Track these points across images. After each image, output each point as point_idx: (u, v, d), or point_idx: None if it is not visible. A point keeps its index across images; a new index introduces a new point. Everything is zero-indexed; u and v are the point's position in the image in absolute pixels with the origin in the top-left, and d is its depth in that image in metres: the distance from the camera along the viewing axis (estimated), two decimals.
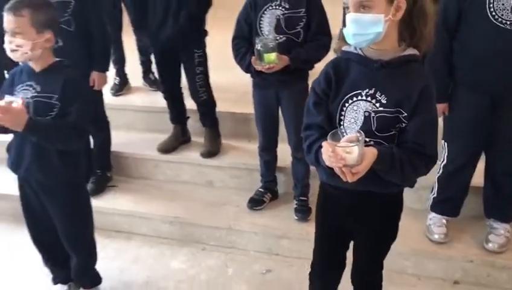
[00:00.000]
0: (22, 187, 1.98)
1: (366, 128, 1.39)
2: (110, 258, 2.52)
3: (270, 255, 2.52)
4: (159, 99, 3.34)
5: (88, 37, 2.54)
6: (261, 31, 2.25)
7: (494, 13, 1.94)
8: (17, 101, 1.68)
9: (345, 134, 1.39)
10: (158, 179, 3.00)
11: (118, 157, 3.01)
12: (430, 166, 1.43)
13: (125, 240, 2.70)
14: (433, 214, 2.37)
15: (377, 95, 1.40)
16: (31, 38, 1.74)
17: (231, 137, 3.04)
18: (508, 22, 1.93)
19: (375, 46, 1.39)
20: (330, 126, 1.44)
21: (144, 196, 2.85)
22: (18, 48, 1.74)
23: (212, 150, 2.93)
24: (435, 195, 2.36)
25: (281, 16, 2.22)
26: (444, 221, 2.34)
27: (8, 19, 1.75)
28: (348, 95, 1.42)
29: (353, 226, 1.60)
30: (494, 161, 2.23)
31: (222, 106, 3.02)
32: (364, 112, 1.40)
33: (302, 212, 2.52)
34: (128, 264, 2.51)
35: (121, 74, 3.55)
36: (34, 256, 2.23)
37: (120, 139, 3.04)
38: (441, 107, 2.10)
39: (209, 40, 2.84)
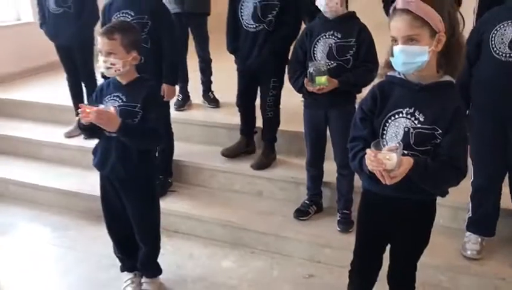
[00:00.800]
0: (103, 185, 2.31)
1: (405, 142, 1.62)
2: (168, 254, 2.80)
3: (312, 262, 2.73)
4: (216, 115, 3.71)
5: (160, 54, 2.87)
6: (314, 56, 2.52)
7: (494, 46, 2.20)
8: (109, 108, 2.02)
9: (386, 145, 1.61)
10: (213, 187, 3.29)
11: (178, 166, 3.33)
12: (460, 178, 1.63)
13: (182, 239, 2.99)
14: (469, 233, 2.52)
15: (415, 114, 1.62)
16: (122, 58, 2.08)
17: (281, 152, 3.30)
18: (504, 55, 2.18)
19: (416, 72, 1.62)
20: (373, 139, 1.65)
21: (200, 201, 3.14)
22: (112, 66, 2.08)
23: (262, 163, 3.19)
24: (470, 215, 2.51)
25: (333, 44, 2.48)
26: (480, 239, 2.48)
27: (103, 42, 2.08)
28: (391, 113, 1.66)
29: (390, 229, 1.80)
30: None
31: None
32: (404, 127, 1.63)
33: (345, 224, 2.73)
34: (184, 260, 2.80)
35: (184, 91, 3.91)
36: (104, 248, 2.59)
37: (181, 150, 3.36)
38: None
39: None
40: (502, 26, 2.18)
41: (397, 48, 1.57)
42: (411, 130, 1.62)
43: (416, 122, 1.62)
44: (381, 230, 1.82)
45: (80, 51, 3.59)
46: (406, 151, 1.59)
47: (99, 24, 3.28)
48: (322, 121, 2.65)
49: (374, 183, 1.63)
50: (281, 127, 3.30)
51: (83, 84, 3.74)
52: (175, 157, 3.29)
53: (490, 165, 2.38)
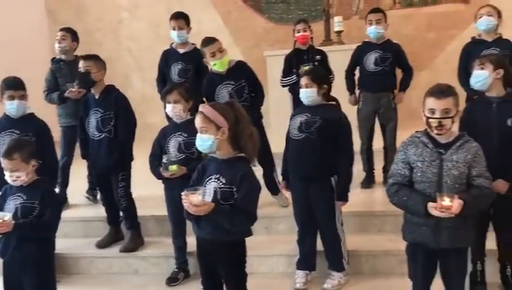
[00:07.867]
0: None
1: (214, 198, 2.37)
2: None
3: None
4: (92, 211, 4.18)
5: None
6: (167, 150, 3.29)
7: None
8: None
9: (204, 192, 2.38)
10: (92, 273, 3.75)
11: (58, 259, 3.63)
12: (252, 220, 2.42)
13: None
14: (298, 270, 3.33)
15: (220, 178, 2.42)
16: (25, 170, 2.62)
17: (152, 234, 3.91)
18: None
19: (219, 152, 2.44)
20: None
21: (81, 286, 3.57)
22: (17, 179, 2.62)
23: (129, 247, 3.75)
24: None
25: (182, 142, 3.27)
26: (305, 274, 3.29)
27: (6, 163, 2.59)
28: (207, 178, 2.44)
29: (217, 265, 2.52)
30: None
31: (146, 211, 3.93)
32: (214, 187, 2.40)
33: None
34: None
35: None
36: None
37: (59, 245, 3.68)
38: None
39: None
40: None
41: (198, 136, 2.42)
42: (217, 189, 2.41)
43: (220, 183, 2.41)
44: (211, 268, 2.53)
45: None
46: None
47: None
48: (178, 198, 3.31)
49: (198, 229, 2.44)
50: (151, 212, 3.93)
51: None
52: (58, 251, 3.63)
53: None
